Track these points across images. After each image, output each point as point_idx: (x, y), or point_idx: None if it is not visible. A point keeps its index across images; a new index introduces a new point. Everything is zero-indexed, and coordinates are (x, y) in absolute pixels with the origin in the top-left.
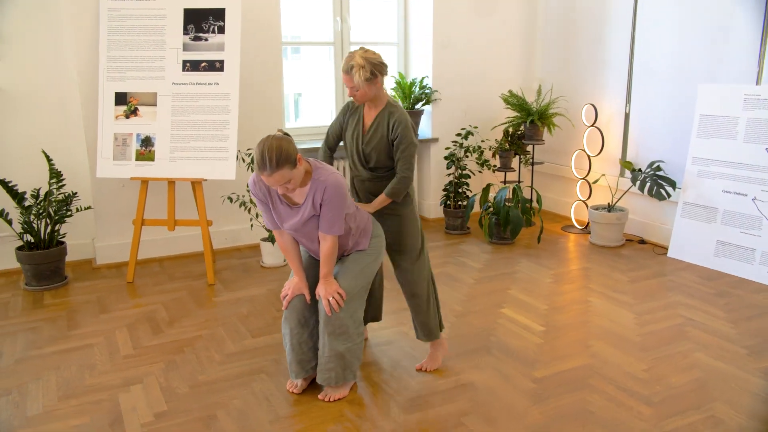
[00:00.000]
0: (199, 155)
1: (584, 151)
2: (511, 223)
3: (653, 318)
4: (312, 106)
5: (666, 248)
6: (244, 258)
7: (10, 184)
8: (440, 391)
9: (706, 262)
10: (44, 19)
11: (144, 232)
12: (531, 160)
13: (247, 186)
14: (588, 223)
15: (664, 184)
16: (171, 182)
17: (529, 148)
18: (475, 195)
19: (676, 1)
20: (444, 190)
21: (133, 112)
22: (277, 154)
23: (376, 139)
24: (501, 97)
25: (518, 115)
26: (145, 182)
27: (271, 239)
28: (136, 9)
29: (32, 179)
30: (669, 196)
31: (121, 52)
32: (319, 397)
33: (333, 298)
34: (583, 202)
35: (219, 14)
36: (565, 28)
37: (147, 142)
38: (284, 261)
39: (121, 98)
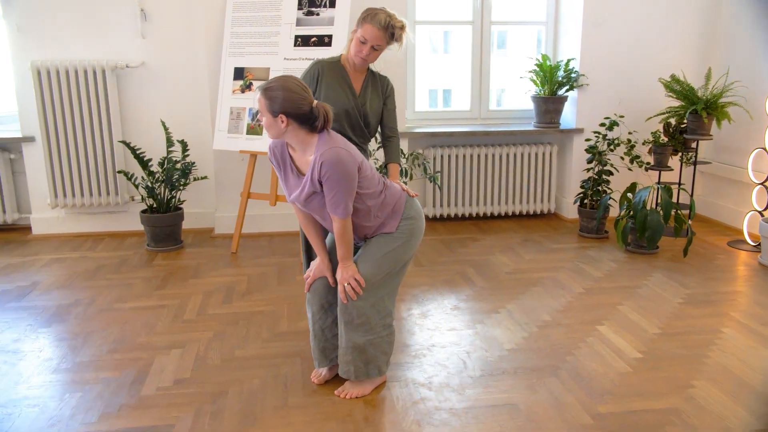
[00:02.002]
0: None
1: (766, 150)
2: (648, 229)
3: None
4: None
5: None
6: None
7: (138, 151)
8: (471, 407)
9: None
10: (181, 0)
11: (259, 206)
12: (694, 159)
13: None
14: None
15: None
16: None
17: (693, 144)
18: (609, 195)
19: None
20: (581, 187)
21: (248, 87)
22: (275, 85)
23: (374, 101)
24: (661, 82)
25: (681, 104)
26: (253, 156)
27: None
28: None
29: (163, 148)
30: None
31: (243, 28)
32: (336, 392)
33: (349, 284)
34: (759, 212)
35: None
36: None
37: (257, 116)
38: None
39: (238, 73)
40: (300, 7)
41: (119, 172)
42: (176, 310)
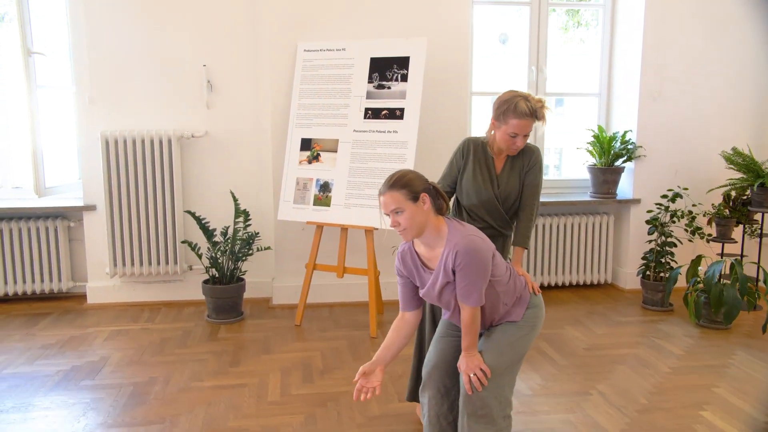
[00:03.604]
0: (372, 203)
1: None
2: (725, 304)
3: None
4: None
5: None
6: None
7: (203, 221)
8: None
9: None
10: (247, 72)
11: (319, 276)
12: (759, 231)
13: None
14: None
15: None
16: (344, 228)
17: (759, 217)
18: (680, 267)
19: None
20: (643, 258)
21: (315, 158)
22: (399, 176)
23: (512, 180)
24: (722, 156)
25: (743, 176)
26: (319, 227)
27: None
28: (328, 59)
29: (224, 217)
30: None
31: (310, 99)
32: None
33: (475, 374)
34: None
35: (403, 62)
36: None
37: (325, 187)
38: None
39: (306, 144)
40: (371, 80)
41: (183, 242)
42: (258, 390)
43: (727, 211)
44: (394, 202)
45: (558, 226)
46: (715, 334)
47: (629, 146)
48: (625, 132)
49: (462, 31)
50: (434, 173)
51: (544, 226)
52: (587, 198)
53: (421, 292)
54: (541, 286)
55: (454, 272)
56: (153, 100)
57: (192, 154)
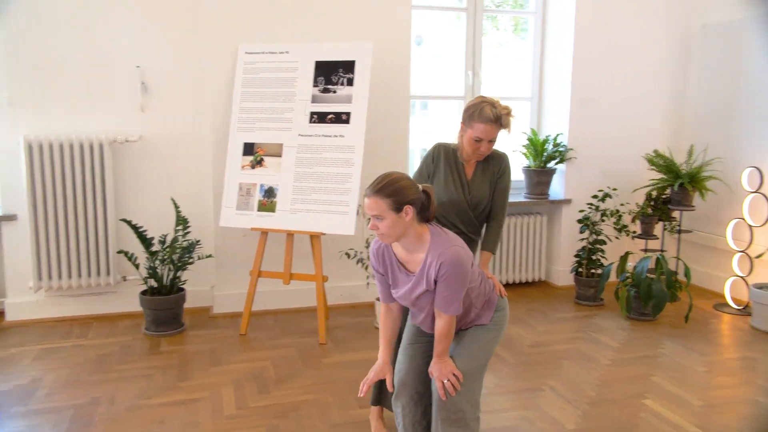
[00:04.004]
0: (319, 208)
1: (744, 220)
2: (653, 297)
3: None
4: None
5: None
6: (358, 317)
7: (140, 230)
8: None
9: None
10: (185, 74)
11: (262, 283)
12: (678, 228)
13: (367, 242)
14: (747, 303)
15: None
16: (290, 234)
17: (675, 214)
18: (611, 264)
19: None
20: (576, 256)
21: (258, 163)
22: (388, 182)
23: (483, 187)
24: (645, 158)
25: (664, 177)
26: (264, 233)
27: None
28: (271, 62)
29: (162, 225)
30: None
31: (253, 103)
32: None
33: (448, 380)
34: (742, 278)
35: (349, 66)
36: (726, 81)
37: (270, 192)
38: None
39: (248, 148)
40: (316, 84)
41: (119, 252)
42: (213, 404)
43: (649, 209)
44: (377, 208)
45: None
46: (644, 326)
47: (561, 149)
48: (557, 135)
49: (403, 35)
50: (375, 176)
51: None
52: (522, 199)
53: (395, 294)
54: None
55: (435, 281)
56: (82, 102)
57: (126, 160)
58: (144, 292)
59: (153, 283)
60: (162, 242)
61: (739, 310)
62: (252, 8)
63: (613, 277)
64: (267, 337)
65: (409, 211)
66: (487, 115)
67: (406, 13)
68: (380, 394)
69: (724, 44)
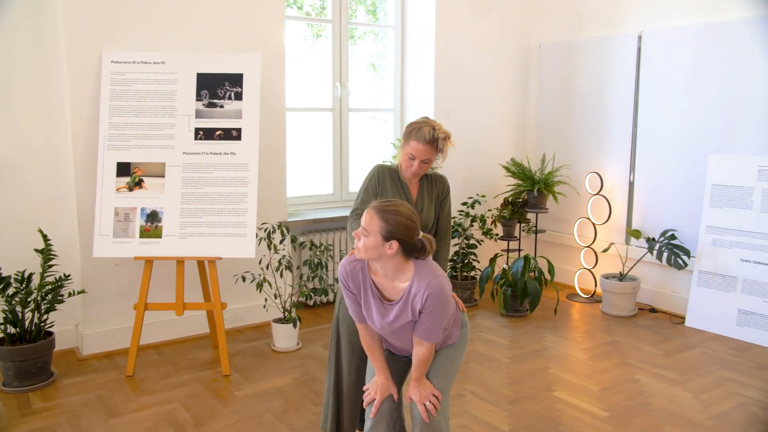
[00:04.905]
0: (213, 231)
1: (589, 219)
2: (529, 295)
3: (712, 398)
4: (311, 176)
5: (681, 317)
6: (249, 341)
7: None
8: None
9: (728, 332)
10: (38, 84)
11: (129, 315)
12: (534, 229)
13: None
14: (594, 292)
15: (680, 253)
16: (180, 262)
17: (530, 216)
18: (488, 267)
19: (679, 71)
20: (450, 261)
21: (137, 184)
22: (394, 209)
23: (430, 207)
24: (502, 166)
25: (520, 183)
26: (149, 262)
27: (286, 321)
28: (144, 73)
29: (16, 261)
30: (686, 265)
31: (125, 118)
32: None
33: (430, 402)
34: (589, 270)
35: (236, 80)
36: (562, 96)
37: (153, 217)
38: (298, 344)
39: (123, 169)
40: (199, 98)
41: None
42: None
43: (507, 213)
44: (369, 224)
45: None
46: (521, 322)
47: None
48: None
49: (277, 47)
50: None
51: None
52: None
53: (372, 322)
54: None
55: (419, 312)
56: None
57: None
58: (0, 342)
59: (12, 329)
60: (20, 281)
61: (587, 298)
62: (118, 12)
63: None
64: (160, 375)
65: (394, 246)
66: (424, 136)
67: (280, 24)
68: (338, 424)
69: (559, 62)
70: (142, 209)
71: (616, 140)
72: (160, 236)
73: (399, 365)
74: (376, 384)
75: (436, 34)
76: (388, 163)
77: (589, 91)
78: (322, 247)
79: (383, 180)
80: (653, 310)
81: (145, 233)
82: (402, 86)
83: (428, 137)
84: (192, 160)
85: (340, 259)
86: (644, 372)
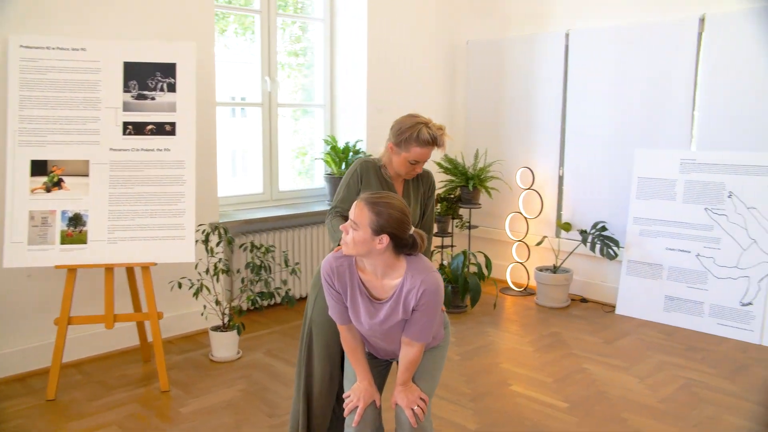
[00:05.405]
0: (147, 234)
1: (520, 213)
2: (470, 290)
3: (657, 382)
4: (240, 174)
5: (611, 305)
6: (184, 352)
7: None
8: None
9: (656, 317)
10: None
11: (43, 331)
12: (468, 224)
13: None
14: (527, 285)
15: (611, 243)
16: (109, 269)
17: (464, 212)
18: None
19: (606, 69)
20: None
21: (56, 185)
22: (385, 202)
23: (415, 205)
24: (435, 162)
25: (453, 179)
26: (73, 271)
27: (224, 328)
28: (60, 60)
29: None
30: (617, 255)
31: (39, 111)
32: None
33: (418, 406)
34: (521, 264)
35: (168, 70)
36: (491, 92)
37: (77, 220)
38: (238, 353)
39: (39, 167)
40: (127, 89)
41: None
42: None
43: (441, 209)
44: (358, 216)
45: (299, 239)
46: (463, 318)
47: (361, 156)
48: (357, 141)
49: (207, 36)
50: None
51: (285, 240)
52: (326, 207)
53: (357, 324)
54: (283, 300)
55: (413, 310)
56: None
57: None
58: None
59: None
60: None
61: (520, 291)
62: None
63: None
64: (87, 397)
65: (384, 240)
66: (425, 138)
67: (209, 12)
68: (310, 427)
69: (487, 59)
70: (63, 212)
71: (546, 136)
72: (85, 242)
73: (379, 369)
74: (358, 390)
75: (368, 28)
76: (373, 157)
77: (518, 87)
78: (263, 249)
79: (367, 176)
80: (584, 300)
81: (67, 239)
82: (332, 81)
83: (429, 138)
84: (120, 157)
85: (286, 261)
86: (590, 361)
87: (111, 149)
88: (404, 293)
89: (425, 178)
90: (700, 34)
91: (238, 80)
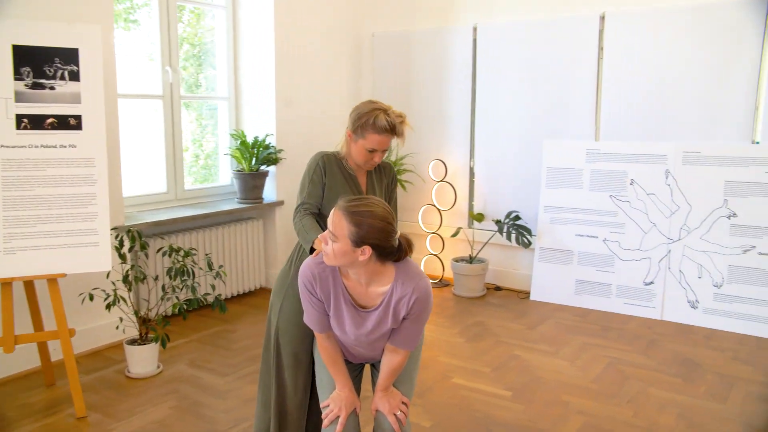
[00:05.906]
0: (53, 242)
1: (434, 205)
2: None
3: (585, 363)
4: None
5: (526, 292)
6: (92, 371)
7: None
8: None
9: (569, 301)
10: None
11: None
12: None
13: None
14: (442, 276)
15: (524, 232)
16: (7, 284)
17: None
18: None
19: (513, 62)
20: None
21: None
22: (364, 210)
23: (380, 197)
24: None
25: None
26: None
27: (142, 341)
28: None
29: None
30: (531, 243)
31: None
32: None
33: (400, 411)
34: (436, 255)
35: (69, 56)
36: (398, 84)
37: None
38: (158, 368)
39: None
40: (20, 77)
41: None
42: None
43: None
44: (336, 227)
45: (212, 240)
46: None
47: (271, 151)
48: (267, 135)
49: (107, 20)
50: None
51: (198, 241)
52: (236, 205)
53: (340, 334)
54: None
55: (403, 318)
56: None
57: None
58: None
59: None
60: None
61: (435, 283)
62: None
63: None
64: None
65: (367, 251)
66: (382, 125)
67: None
68: None
69: (393, 52)
70: None
71: (457, 128)
72: None
73: (355, 374)
74: (339, 399)
75: (275, 18)
76: (331, 150)
77: (427, 80)
78: (182, 253)
79: (330, 169)
80: (498, 289)
81: None
82: (236, 73)
83: (387, 125)
84: (14, 155)
85: (209, 265)
86: (520, 348)
87: (2, 146)
88: (394, 301)
89: (387, 169)
90: (601, 31)
91: (131, 71)
